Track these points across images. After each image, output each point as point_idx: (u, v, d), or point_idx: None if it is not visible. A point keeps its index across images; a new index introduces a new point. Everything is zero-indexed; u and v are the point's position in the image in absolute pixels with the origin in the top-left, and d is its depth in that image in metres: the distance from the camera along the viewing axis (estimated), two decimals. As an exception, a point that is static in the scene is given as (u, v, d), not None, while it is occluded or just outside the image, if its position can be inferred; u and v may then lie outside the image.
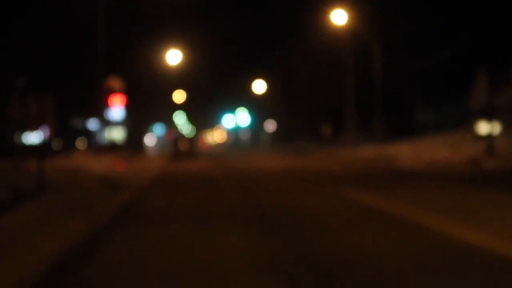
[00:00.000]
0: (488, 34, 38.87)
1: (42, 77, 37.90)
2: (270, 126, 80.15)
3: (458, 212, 10.76)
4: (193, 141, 55.24)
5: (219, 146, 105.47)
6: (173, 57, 48.94)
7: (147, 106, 52.88)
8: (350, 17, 39.46)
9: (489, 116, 31.04)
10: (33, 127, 15.63)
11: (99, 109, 36.08)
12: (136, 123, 47.23)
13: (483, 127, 32.43)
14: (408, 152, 32.48)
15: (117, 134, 39.66)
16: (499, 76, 35.88)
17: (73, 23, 40.20)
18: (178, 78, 66.05)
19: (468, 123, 39.79)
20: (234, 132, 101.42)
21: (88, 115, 45.45)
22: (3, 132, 36.20)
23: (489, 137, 29.42)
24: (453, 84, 46.58)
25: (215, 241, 8.52)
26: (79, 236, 9.00)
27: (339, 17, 39.46)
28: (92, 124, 43.58)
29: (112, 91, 37.41)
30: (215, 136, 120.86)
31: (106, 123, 37.40)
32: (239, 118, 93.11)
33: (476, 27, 40.73)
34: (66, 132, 50.66)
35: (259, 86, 75.64)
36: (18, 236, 8.57)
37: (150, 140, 63.51)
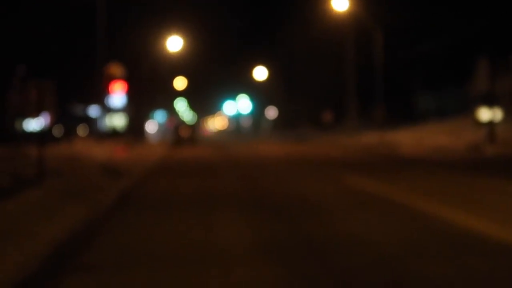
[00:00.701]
0: (490, 20, 38.70)
1: (43, 64, 37.83)
2: (271, 113, 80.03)
3: (459, 199, 10.76)
4: (194, 128, 55.26)
5: (220, 133, 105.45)
6: (174, 43, 48.79)
7: (148, 93, 52.81)
8: (351, 3, 39.30)
9: (490, 103, 30.97)
10: (34, 114, 15.59)
11: (100, 96, 36.04)
12: (137, 110, 47.17)
13: (484, 114, 32.34)
14: (409, 139, 32.44)
15: (118, 121, 39.63)
16: (500, 62, 35.70)
17: (74, 9, 40.07)
18: (179, 65, 65.90)
19: (469, 109, 39.67)
20: (235, 119, 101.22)
21: (89, 102, 45.44)
22: (4, 119, 36.16)
23: (490, 124, 29.37)
24: (454, 70, 46.44)
25: (216, 229, 8.51)
26: (80, 222, 9.01)
27: (340, 3, 39.29)
28: (93, 111, 43.58)
29: (113, 78, 37.35)
30: (216, 123, 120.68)
31: (107, 110, 37.38)
32: (240, 105, 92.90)
33: (477, 13, 40.55)
34: (67, 119, 50.68)
35: (260, 73, 75.46)
36: (19, 222, 8.57)
37: (151, 127, 63.46)
